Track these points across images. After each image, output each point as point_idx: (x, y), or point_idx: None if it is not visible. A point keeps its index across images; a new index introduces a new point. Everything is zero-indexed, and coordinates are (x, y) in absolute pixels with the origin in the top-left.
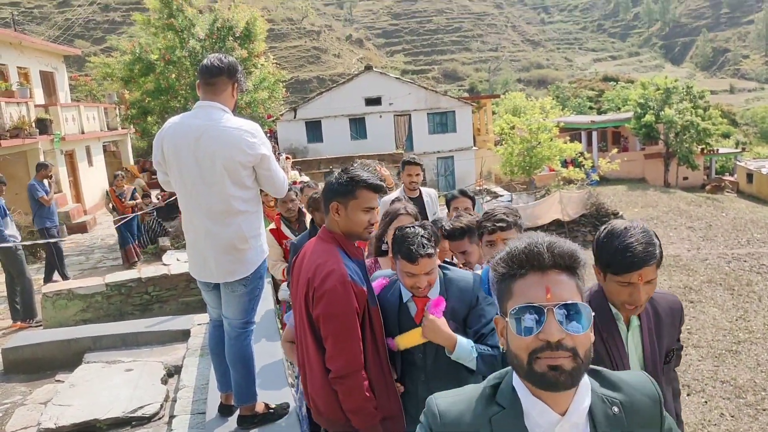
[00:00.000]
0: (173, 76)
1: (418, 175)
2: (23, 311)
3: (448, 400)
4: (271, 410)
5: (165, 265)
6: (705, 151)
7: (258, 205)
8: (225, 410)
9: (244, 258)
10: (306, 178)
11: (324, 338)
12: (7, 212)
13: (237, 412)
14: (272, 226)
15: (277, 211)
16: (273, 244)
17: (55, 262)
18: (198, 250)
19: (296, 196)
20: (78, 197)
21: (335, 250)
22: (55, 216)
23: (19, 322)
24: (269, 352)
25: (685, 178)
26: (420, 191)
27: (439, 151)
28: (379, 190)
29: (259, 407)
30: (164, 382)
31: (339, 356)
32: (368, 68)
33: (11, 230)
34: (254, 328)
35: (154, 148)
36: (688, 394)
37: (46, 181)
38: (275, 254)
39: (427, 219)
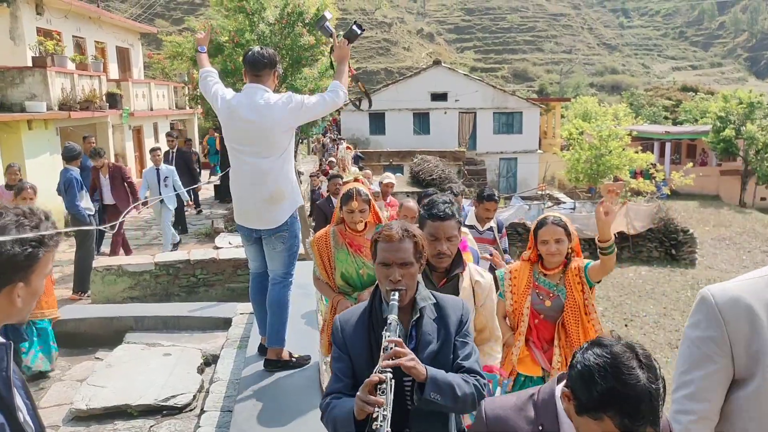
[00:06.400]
0: (240, 59)
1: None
2: (77, 284)
3: None
4: (293, 359)
5: (215, 248)
6: None
7: (290, 164)
8: (263, 350)
9: (280, 208)
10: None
11: None
12: (83, 185)
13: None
14: None
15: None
16: None
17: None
18: (244, 201)
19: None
20: (142, 172)
21: None
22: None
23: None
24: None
25: (763, 199)
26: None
27: (502, 152)
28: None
29: (285, 354)
30: (200, 371)
31: None
32: (436, 63)
33: (86, 203)
34: (292, 280)
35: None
36: None
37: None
38: None
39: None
